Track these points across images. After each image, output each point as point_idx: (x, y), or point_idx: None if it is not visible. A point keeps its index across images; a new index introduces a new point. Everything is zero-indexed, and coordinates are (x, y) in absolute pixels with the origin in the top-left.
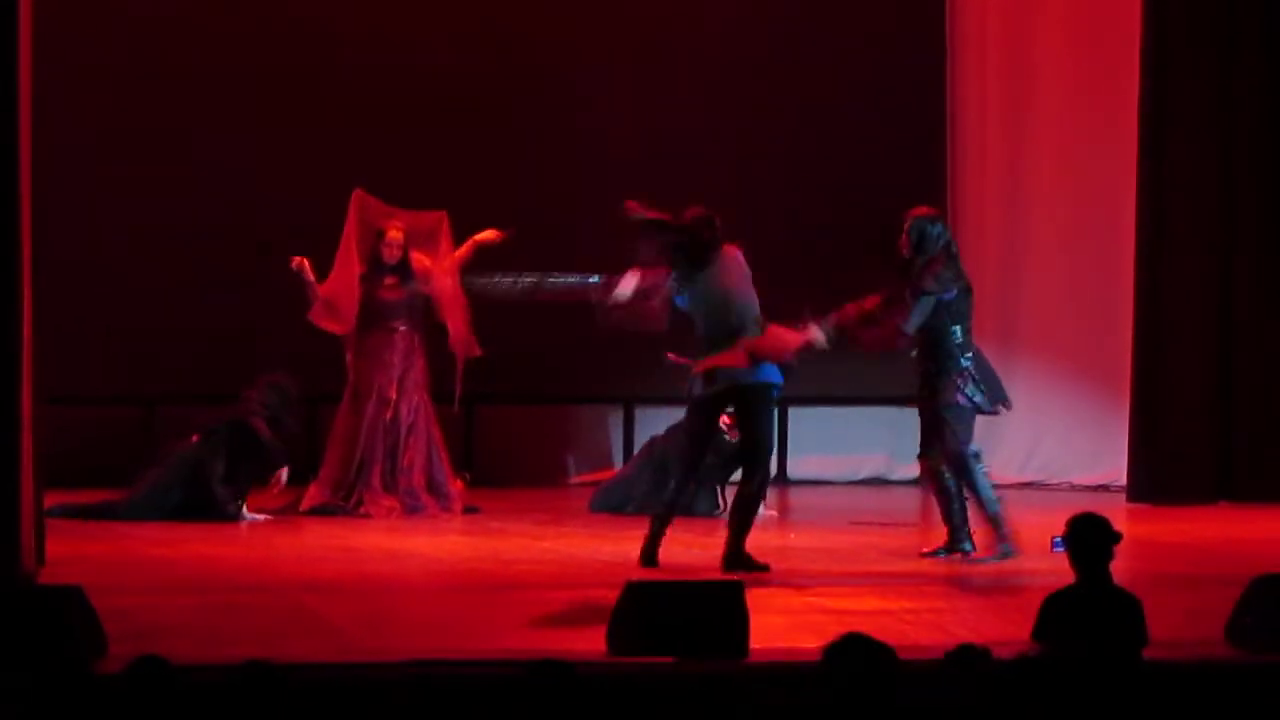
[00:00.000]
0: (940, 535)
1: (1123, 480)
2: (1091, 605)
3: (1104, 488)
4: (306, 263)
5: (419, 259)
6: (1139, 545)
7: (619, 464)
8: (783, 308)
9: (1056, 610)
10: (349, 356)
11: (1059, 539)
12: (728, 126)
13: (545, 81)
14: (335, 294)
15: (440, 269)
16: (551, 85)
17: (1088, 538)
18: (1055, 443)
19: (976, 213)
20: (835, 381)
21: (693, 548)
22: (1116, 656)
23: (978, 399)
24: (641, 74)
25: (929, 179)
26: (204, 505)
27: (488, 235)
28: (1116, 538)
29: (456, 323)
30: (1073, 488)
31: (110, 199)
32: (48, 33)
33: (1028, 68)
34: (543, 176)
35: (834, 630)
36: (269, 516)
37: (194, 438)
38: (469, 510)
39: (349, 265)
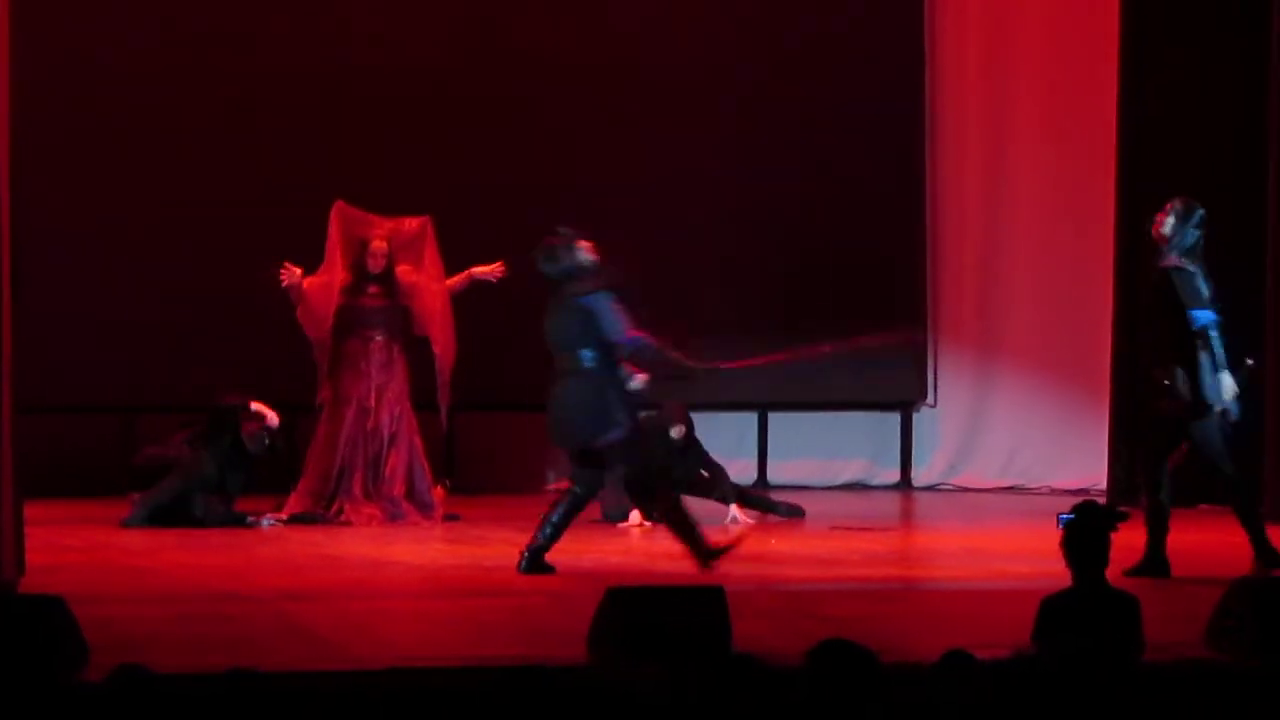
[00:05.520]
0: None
1: (1103, 484)
2: (1089, 607)
3: (1084, 491)
4: (299, 272)
5: (406, 273)
6: (1119, 549)
7: None
8: (758, 307)
9: (1055, 613)
10: (323, 365)
11: (1065, 514)
12: (706, 127)
13: (528, 87)
14: (316, 300)
15: (428, 283)
16: (533, 91)
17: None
18: (1036, 446)
19: (956, 216)
20: (815, 387)
21: (672, 553)
22: (1112, 659)
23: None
24: (622, 78)
25: (908, 182)
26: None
27: (486, 271)
28: (1123, 516)
29: (445, 341)
30: (1053, 491)
31: (90, 206)
32: (35, 35)
33: (1007, 69)
34: (524, 180)
35: (816, 634)
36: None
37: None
38: (450, 518)
39: (332, 274)
